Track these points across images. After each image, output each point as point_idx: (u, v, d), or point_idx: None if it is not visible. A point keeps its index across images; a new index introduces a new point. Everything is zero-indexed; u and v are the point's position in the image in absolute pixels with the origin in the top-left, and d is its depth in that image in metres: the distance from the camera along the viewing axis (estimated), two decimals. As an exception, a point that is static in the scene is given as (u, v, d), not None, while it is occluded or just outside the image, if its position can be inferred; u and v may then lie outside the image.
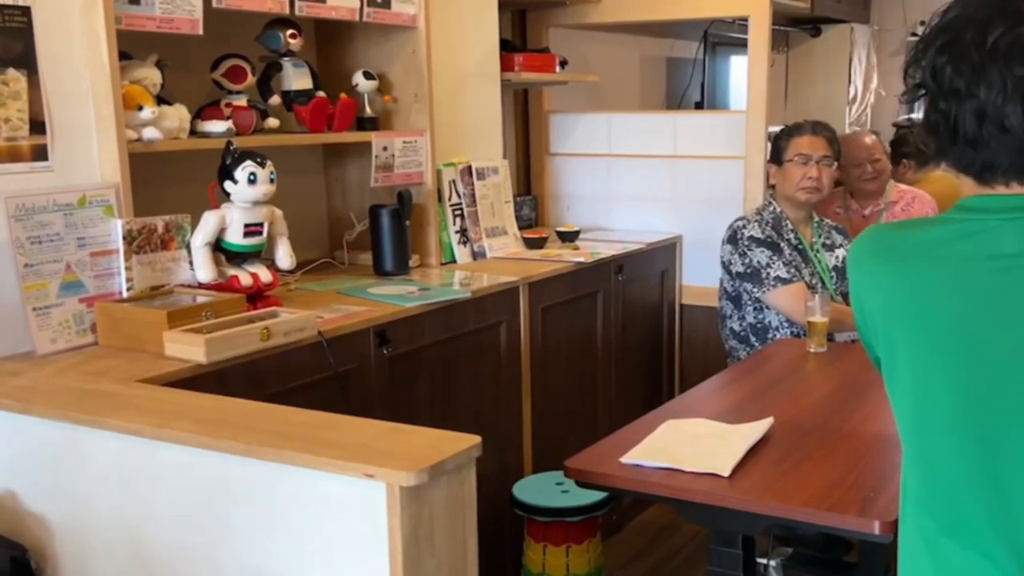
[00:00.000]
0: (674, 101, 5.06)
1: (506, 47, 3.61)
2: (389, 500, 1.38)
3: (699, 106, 5.06)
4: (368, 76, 2.95)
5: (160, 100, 2.35)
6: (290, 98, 2.76)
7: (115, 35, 2.15)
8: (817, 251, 3.24)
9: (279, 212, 2.44)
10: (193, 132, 2.47)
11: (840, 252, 3.28)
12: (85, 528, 1.70)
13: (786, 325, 3.13)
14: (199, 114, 2.54)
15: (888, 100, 6.13)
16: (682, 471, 1.89)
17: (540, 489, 2.80)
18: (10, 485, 1.79)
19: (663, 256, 3.78)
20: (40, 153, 2.14)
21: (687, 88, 5.08)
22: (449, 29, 3.21)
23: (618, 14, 3.89)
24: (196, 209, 2.34)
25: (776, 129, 3.48)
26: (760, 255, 3.10)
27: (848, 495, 1.78)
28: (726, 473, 1.87)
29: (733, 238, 3.18)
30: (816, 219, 3.31)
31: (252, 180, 2.30)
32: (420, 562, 1.42)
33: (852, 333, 3.08)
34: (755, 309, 3.17)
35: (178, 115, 2.38)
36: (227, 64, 2.62)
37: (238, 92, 2.63)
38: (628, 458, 1.95)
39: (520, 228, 3.56)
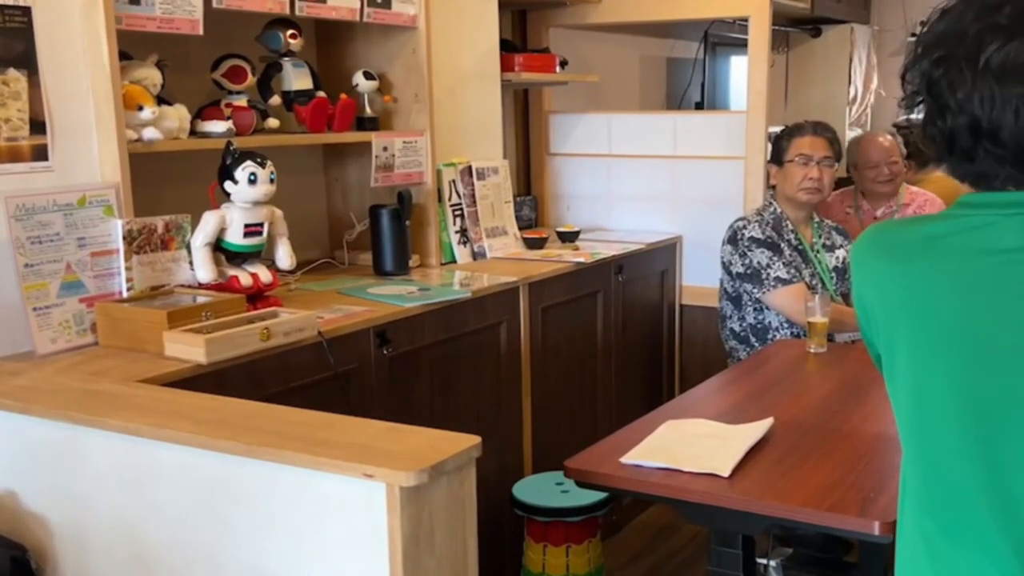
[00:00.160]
0: (674, 101, 5.07)
1: (506, 47, 3.61)
2: (389, 500, 1.38)
3: (699, 106, 5.06)
4: (368, 76, 2.95)
5: (160, 100, 2.35)
6: (290, 98, 2.76)
7: (115, 35, 2.15)
8: (817, 252, 3.24)
9: (279, 212, 2.44)
10: (193, 132, 2.47)
11: (840, 253, 3.28)
12: (85, 528, 1.70)
13: (786, 326, 3.13)
14: (199, 114, 2.55)
15: (888, 100, 6.13)
16: (682, 471, 1.89)
17: (540, 489, 2.80)
18: (10, 485, 1.79)
19: (663, 256, 3.78)
20: (40, 153, 2.14)
21: (687, 88, 5.08)
22: (449, 29, 3.21)
23: (618, 14, 3.89)
24: (196, 209, 2.34)
25: (776, 129, 3.49)
26: (760, 256, 3.10)
27: (848, 495, 1.79)
28: (726, 473, 1.87)
29: (733, 239, 3.18)
30: (816, 219, 3.31)
31: (252, 180, 2.30)
32: (420, 562, 1.42)
33: (852, 334, 3.08)
34: (755, 310, 3.17)
35: (178, 115, 2.38)
36: (227, 64, 2.62)
37: (238, 92, 2.63)
38: (628, 458, 1.95)
39: (520, 228, 3.56)
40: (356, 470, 1.39)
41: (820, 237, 3.27)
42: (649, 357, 3.79)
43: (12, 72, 2.08)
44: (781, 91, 5.73)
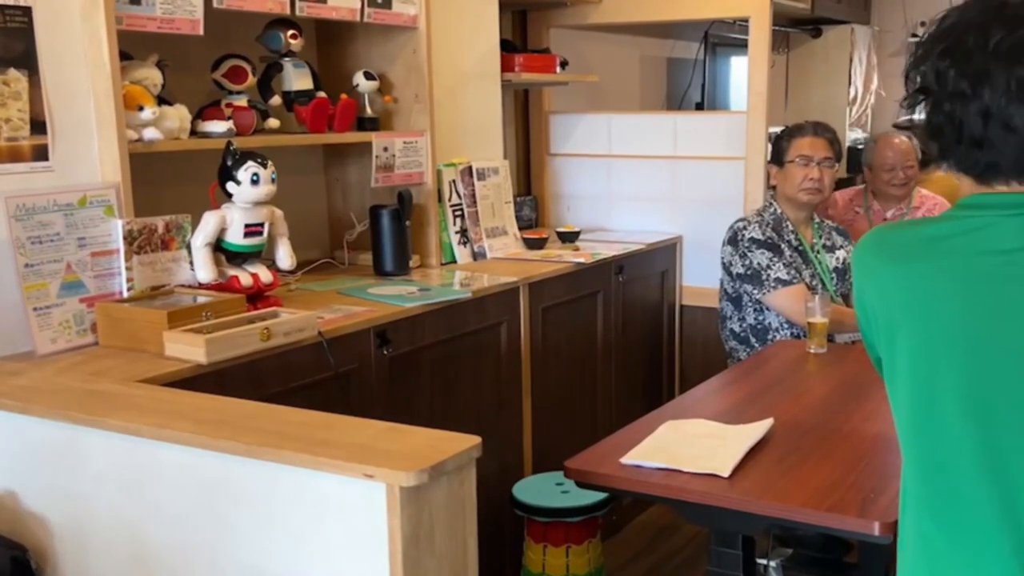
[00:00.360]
0: (674, 102, 5.07)
1: (507, 47, 3.61)
2: (389, 500, 1.38)
3: (699, 107, 5.06)
4: (369, 76, 2.95)
5: (161, 100, 2.35)
6: (291, 98, 2.76)
7: (116, 35, 2.15)
8: (818, 252, 3.24)
9: (279, 212, 2.44)
10: (194, 132, 2.47)
11: (840, 253, 3.28)
12: (85, 528, 1.70)
13: (786, 326, 3.13)
14: (200, 114, 2.55)
15: (888, 101, 6.13)
16: (682, 471, 1.89)
17: (540, 489, 2.80)
18: (10, 485, 1.79)
19: (663, 257, 3.78)
20: (41, 153, 2.14)
21: (687, 89, 5.08)
22: (450, 29, 3.22)
23: (619, 15, 3.89)
24: (196, 209, 2.34)
25: (776, 130, 3.49)
26: (760, 257, 3.10)
27: (848, 496, 1.79)
28: (726, 473, 1.87)
29: (733, 239, 3.18)
30: (816, 220, 3.31)
31: (255, 181, 2.30)
32: (420, 562, 1.42)
33: (852, 334, 3.08)
34: (755, 310, 3.17)
35: (179, 115, 2.38)
36: (228, 64, 2.62)
37: (239, 92, 2.63)
38: (628, 458, 1.95)
39: (520, 228, 3.56)
40: (356, 470, 1.39)
41: (820, 238, 3.27)
42: (649, 357, 3.79)
43: (12, 72, 2.08)
44: (781, 91, 5.73)
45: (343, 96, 2.85)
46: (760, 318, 3.17)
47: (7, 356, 2.06)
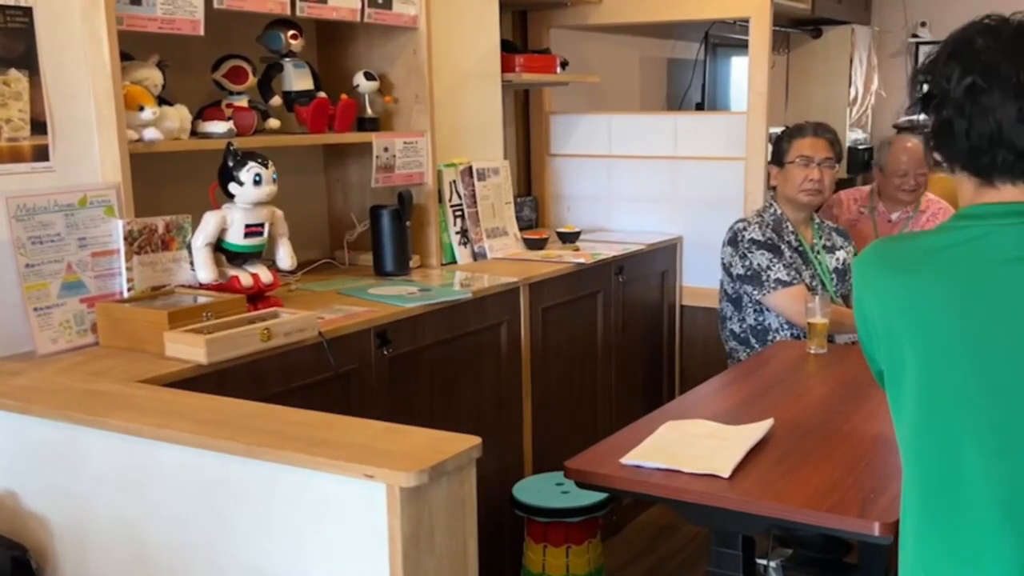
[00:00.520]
0: (675, 102, 5.07)
1: (507, 48, 3.61)
2: (389, 500, 1.38)
3: (700, 107, 5.07)
4: (369, 77, 2.95)
5: (161, 101, 2.35)
6: (291, 99, 2.76)
7: (116, 35, 2.15)
8: (818, 253, 3.24)
9: (280, 212, 2.44)
10: (194, 133, 2.47)
11: (841, 254, 3.28)
12: (85, 528, 1.70)
13: (786, 327, 3.14)
14: (200, 115, 2.55)
15: (888, 101, 6.13)
16: (682, 472, 1.89)
17: (540, 490, 2.80)
18: (10, 485, 1.79)
19: (663, 257, 3.78)
20: (41, 153, 2.14)
21: (688, 89, 5.08)
22: (450, 30, 3.22)
23: (619, 15, 3.89)
24: (197, 209, 2.34)
25: (777, 130, 3.49)
26: (760, 257, 3.10)
27: (848, 496, 1.79)
28: (726, 474, 1.87)
29: (733, 240, 3.18)
30: (817, 221, 3.31)
31: (258, 181, 2.30)
32: (420, 563, 1.42)
33: (852, 335, 3.08)
34: (755, 311, 3.17)
35: (179, 116, 2.38)
36: (228, 65, 2.62)
37: (239, 93, 2.63)
38: (628, 459, 1.95)
39: (520, 229, 3.56)
40: (356, 470, 1.39)
41: (820, 238, 3.27)
42: (649, 358, 3.79)
43: (13, 72, 2.08)
44: (782, 92, 5.73)
45: (343, 96, 2.85)
46: (760, 319, 3.17)
47: (7, 356, 2.06)
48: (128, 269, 2.22)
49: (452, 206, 3.23)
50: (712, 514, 1.86)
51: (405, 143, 2.96)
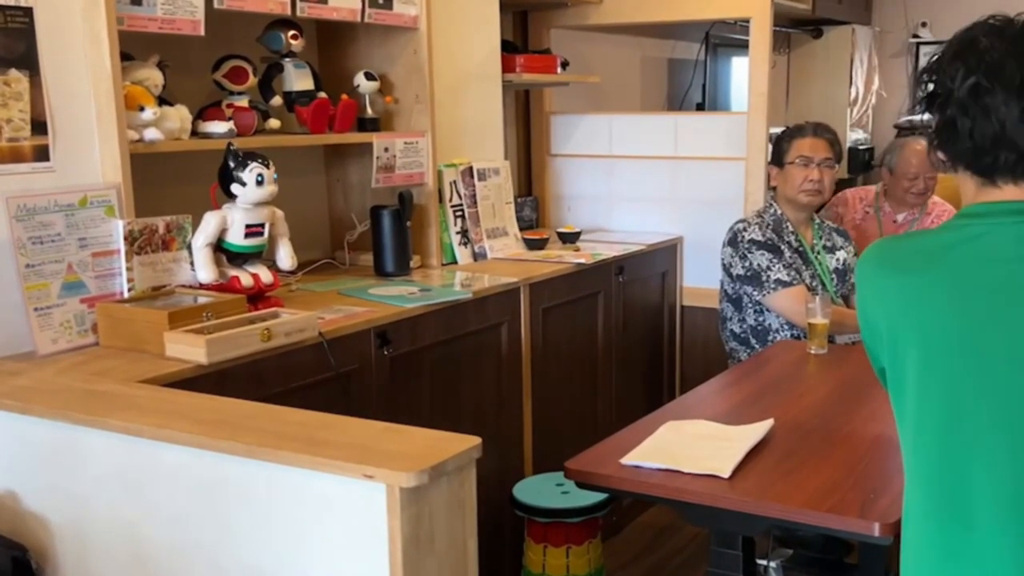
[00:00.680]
0: (675, 102, 5.07)
1: (507, 48, 3.61)
2: (389, 501, 1.38)
3: (700, 107, 5.07)
4: (369, 77, 2.95)
5: (161, 101, 2.35)
6: (291, 99, 2.76)
7: (117, 36, 2.15)
8: (818, 253, 3.24)
9: (280, 213, 2.44)
10: (194, 133, 2.47)
11: (841, 254, 3.28)
12: (86, 528, 1.70)
13: (786, 327, 3.13)
14: (200, 115, 2.55)
15: (889, 102, 6.13)
16: (682, 472, 1.89)
17: (540, 490, 2.80)
18: (11, 485, 1.79)
19: (664, 257, 3.78)
20: (42, 153, 2.15)
21: (688, 89, 5.08)
22: (450, 30, 3.22)
23: (619, 15, 3.89)
24: (197, 210, 2.34)
25: (777, 130, 3.48)
26: (760, 258, 3.10)
27: (848, 496, 1.79)
28: (726, 474, 1.87)
29: (733, 240, 3.18)
30: (817, 221, 3.31)
31: (260, 181, 2.30)
32: (420, 563, 1.42)
33: (853, 335, 3.08)
34: (755, 311, 3.17)
35: (179, 116, 2.38)
36: (228, 65, 2.62)
37: (239, 93, 2.63)
38: (628, 459, 1.95)
39: (521, 229, 3.57)
40: (356, 471, 1.39)
41: (820, 239, 3.27)
42: (649, 358, 3.79)
43: (14, 72, 2.09)
44: (782, 92, 5.73)
45: (344, 97, 2.85)
46: (760, 319, 3.17)
47: (8, 356, 2.07)
48: (128, 269, 2.22)
49: (452, 206, 3.23)
50: (712, 514, 1.86)
51: (406, 143, 2.96)
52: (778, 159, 3.26)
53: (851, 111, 5.73)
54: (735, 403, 2.39)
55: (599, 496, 2.62)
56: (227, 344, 2.01)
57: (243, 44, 2.68)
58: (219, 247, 2.34)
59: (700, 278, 3.77)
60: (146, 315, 2.11)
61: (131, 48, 2.32)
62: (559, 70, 3.67)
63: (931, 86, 1.32)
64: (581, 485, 1.97)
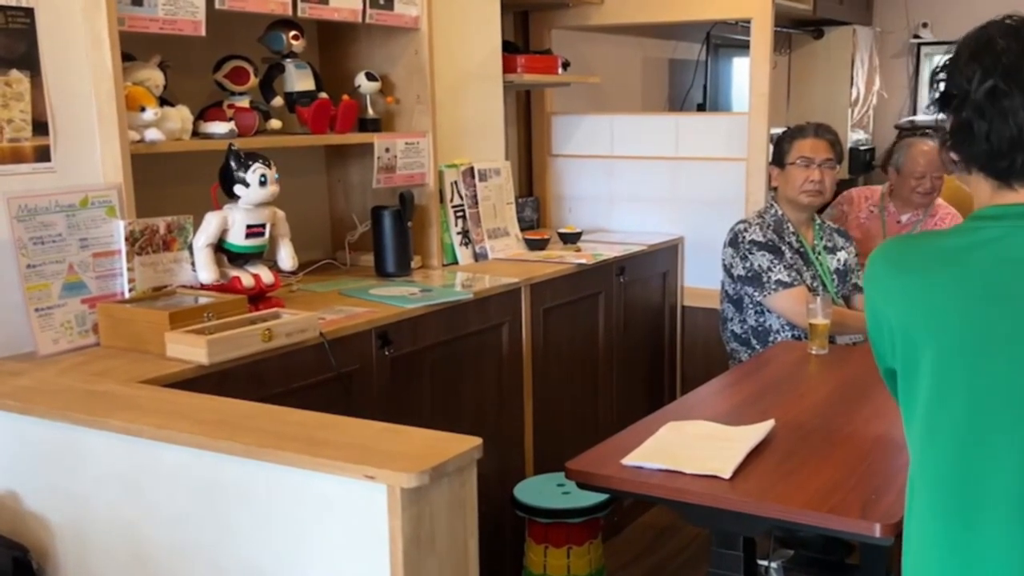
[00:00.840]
0: (676, 103, 5.07)
1: (508, 48, 3.61)
2: (390, 501, 1.38)
3: (701, 108, 5.07)
4: (370, 77, 2.95)
5: (162, 101, 2.36)
6: (292, 99, 2.76)
7: (118, 36, 2.15)
8: (819, 253, 3.24)
9: (281, 213, 2.44)
10: (195, 133, 2.47)
11: (842, 255, 3.28)
12: (86, 528, 1.70)
13: (787, 328, 3.13)
14: (201, 115, 2.55)
15: (890, 102, 6.13)
16: (683, 473, 1.89)
17: (541, 490, 2.80)
18: (11, 485, 1.79)
19: (664, 258, 3.78)
20: (43, 154, 2.15)
21: (689, 90, 5.08)
22: (451, 31, 3.22)
23: (620, 16, 3.89)
24: (198, 210, 2.34)
25: (778, 131, 3.49)
26: (761, 259, 3.10)
27: (849, 497, 1.78)
28: (727, 475, 1.87)
29: (734, 241, 3.18)
30: (818, 221, 3.31)
31: (263, 182, 2.30)
32: (421, 563, 1.42)
33: (854, 336, 3.08)
34: (756, 312, 3.17)
35: (180, 116, 2.38)
36: (229, 65, 2.62)
37: (240, 93, 2.63)
38: (629, 460, 1.95)
39: (522, 229, 3.57)
40: (357, 471, 1.39)
41: (821, 239, 3.27)
42: (650, 358, 3.79)
43: (15, 73, 2.09)
44: (783, 92, 5.73)
45: (345, 97, 2.85)
46: (761, 320, 3.17)
47: (9, 356, 2.07)
48: (129, 269, 2.23)
49: (453, 207, 3.23)
50: (713, 515, 1.86)
51: (406, 144, 2.96)
52: (779, 160, 3.26)
53: (852, 112, 5.73)
54: (736, 403, 2.39)
55: (600, 497, 2.62)
56: (228, 344, 2.01)
57: (244, 45, 2.68)
58: (220, 247, 2.34)
59: (701, 279, 3.77)
60: (147, 315, 2.11)
61: (132, 48, 2.32)
62: (560, 70, 3.68)
63: (944, 86, 1.31)
64: (582, 486, 1.98)
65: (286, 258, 2.46)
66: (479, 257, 3.29)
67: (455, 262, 3.21)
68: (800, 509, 1.77)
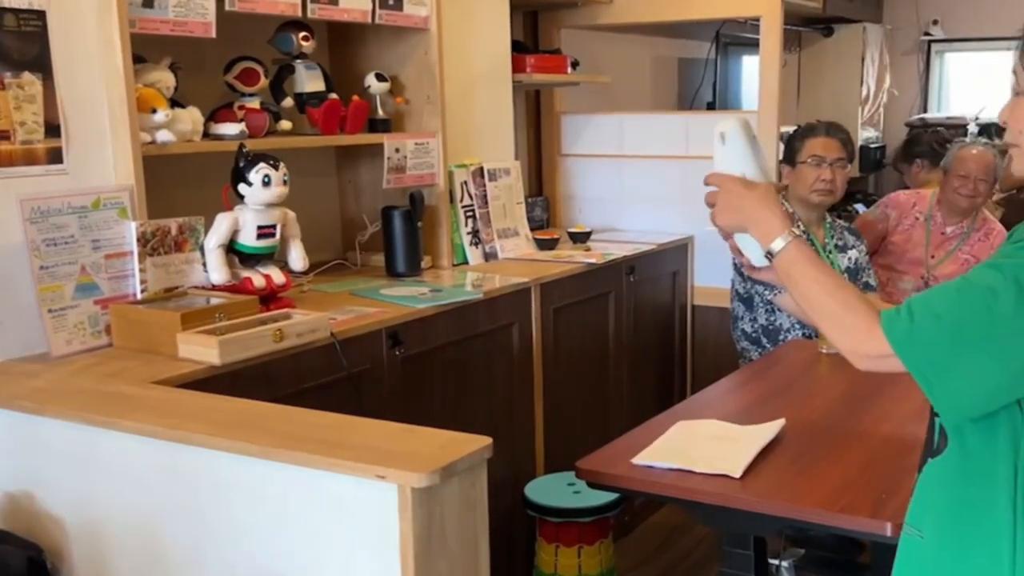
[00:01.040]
0: (686, 101, 5.06)
1: (518, 48, 3.61)
2: (401, 501, 1.39)
3: (711, 106, 5.06)
4: (380, 78, 2.96)
5: (173, 103, 2.36)
6: (303, 100, 2.77)
7: (129, 38, 2.16)
8: (830, 252, 3.23)
9: (292, 214, 2.45)
10: (206, 134, 2.48)
11: (853, 253, 3.28)
12: (100, 529, 1.71)
13: (798, 327, 3.13)
14: (212, 116, 2.56)
15: (901, 99, 6.11)
16: (694, 472, 1.89)
17: (552, 490, 2.81)
18: (26, 486, 1.80)
19: (675, 257, 3.77)
20: (55, 156, 2.16)
21: (699, 88, 5.07)
22: (461, 31, 3.22)
23: (630, 15, 3.89)
24: (209, 211, 2.35)
25: (788, 129, 3.48)
26: (772, 256, 3.09)
27: (860, 496, 1.78)
28: (737, 474, 1.87)
29: (745, 239, 3.17)
30: (828, 220, 3.30)
31: (267, 182, 2.31)
32: (432, 563, 1.43)
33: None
34: (767, 311, 3.17)
35: (191, 118, 2.39)
36: (240, 67, 2.63)
37: (251, 94, 2.64)
38: (640, 459, 1.95)
39: (532, 229, 3.57)
40: (368, 471, 1.40)
41: (832, 238, 3.27)
42: (661, 358, 3.79)
43: (27, 76, 2.10)
44: (793, 91, 5.72)
45: (355, 98, 2.86)
46: (772, 318, 3.17)
47: (23, 358, 2.08)
48: (141, 271, 2.24)
49: (463, 207, 3.24)
50: (724, 515, 1.86)
51: (416, 144, 2.96)
52: (790, 158, 3.25)
53: (862, 109, 5.71)
54: (746, 403, 2.39)
55: (611, 496, 2.62)
56: (239, 345, 2.02)
57: (254, 46, 2.69)
58: (231, 248, 2.35)
59: (711, 277, 3.77)
60: (159, 316, 2.12)
61: (143, 50, 2.33)
62: (569, 70, 3.68)
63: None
64: (593, 485, 1.98)
65: (297, 259, 2.47)
66: (489, 257, 3.30)
67: (465, 262, 3.21)
68: (811, 508, 1.77)
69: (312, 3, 2.58)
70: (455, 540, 1.47)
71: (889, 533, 1.68)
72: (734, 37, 5.16)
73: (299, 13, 2.56)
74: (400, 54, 3.03)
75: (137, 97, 2.22)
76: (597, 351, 3.36)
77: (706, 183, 1.56)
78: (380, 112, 2.97)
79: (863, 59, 5.64)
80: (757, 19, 3.69)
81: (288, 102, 2.74)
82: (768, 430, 2.06)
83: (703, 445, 2.01)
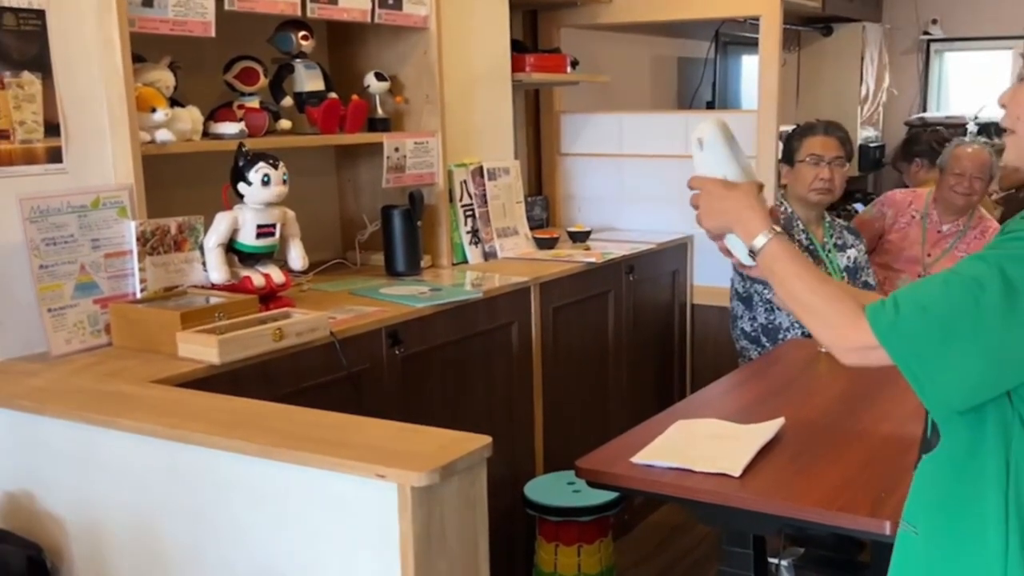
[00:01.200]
0: (685, 101, 5.06)
1: (517, 48, 3.61)
2: (400, 500, 1.39)
3: (710, 106, 5.06)
4: (380, 77, 2.96)
5: (173, 102, 2.36)
6: (302, 100, 2.77)
7: (128, 38, 2.16)
8: (829, 251, 3.23)
9: (291, 213, 2.45)
10: (206, 134, 2.48)
11: (852, 252, 3.28)
12: (100, 528, 1.72)
13: (797, 326, 3.13)
14: (212, 116, 2.56)
15: (900, 99, 6.11)
16: (693, 471, 1.89)
17: (552, 489, 2.81)
18: (25, 485, 1.80)
19: (674, 256, 3.77)
20: (55, 155, 2.16)
21: (698, 88, 5.07)
22: (460, 30, 3.22)
23: (629, 14, 3.89)
24: (209, 210, 2.35)
25: (787, 128, 3.48)
26: (771, 255, 3.09)
27: (859, 495, 1.79)
28: (737, 473, 1.87)
29: (744, 238, 3.17)
30: (827, 219, 3.31)
31: (266, 182, 2.31)
32: (431, 562, 1.43)
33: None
34: (766, 310, 3.17)
35: (191, 117, 2.39)
36: (239, 66, 2.63)
37: (250, 94, 2.64)
38: (639, 458, 1.96)
39: (531, 228, 3.57)
40: (368, 470, 1.40)
41: (831, 237, 3.27)
42: (660, 357, 3.79)
43: (26, 75, 2.10)
44: (792, 90, 5.72)
45: (354, 97, 2.86)
46: (771, 317, 3.17)
47: (22, 357, 2.08)
48: (141, 270, 2.24)
49: (463, 206, 3.24)
50: (723, 513, 1.86)
51: (416, 143, 2.96)
52: (789, 157, 3.25)
53: (861, 109, 5.71)
54: (746, 402, 2.39)
55: (610, 495, 2.62)
56: (239, 344, 2.02)
57: (254, 45, 2.69)
58: (231, 248, 2.35)
59: (710, 277, 3.77)
60: (159, 316, 2.12)
61: (143, 50, 2.33)
62: (569, 69, 3.67)
63: None
64: (592, 484, 1.98)
65: (296, 258, 2.47)
66: (488, 256, 3.30)
67: (465, 261, 3.21)
68: (810, 507, 1.77)
69: (311, 2, 2.58)
70: (455, 539, 1.47)
71: (888, 532, 1.68)
72: (733, 36, 5.16)
73: (299, 12, 2.56)
74: (399, 53, 3.03)
75: (136, 96, 2.22)
76: (597, 350, 3.36)
77: (689, 187, 1.56)
78: (379, 111, 2.97)
79: (862, 58, 5.65)
80: (756, 18, 3.69)
81: (288, 101, 2.74)
82: (767, 429, 2.07)
83: (703, 444, 2.01)
